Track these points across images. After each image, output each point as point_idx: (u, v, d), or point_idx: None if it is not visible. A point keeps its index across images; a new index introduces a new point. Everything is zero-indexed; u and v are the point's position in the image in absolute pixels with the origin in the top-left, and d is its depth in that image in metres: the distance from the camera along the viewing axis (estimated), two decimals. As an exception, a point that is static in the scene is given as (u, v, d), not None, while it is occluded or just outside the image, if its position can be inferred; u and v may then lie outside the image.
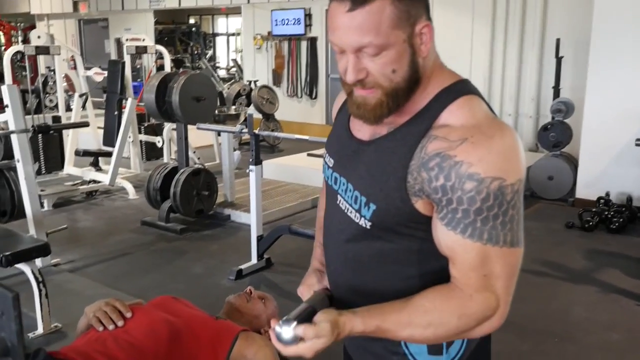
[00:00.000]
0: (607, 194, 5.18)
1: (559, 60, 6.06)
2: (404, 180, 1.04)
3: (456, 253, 1.02)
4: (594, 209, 4.98)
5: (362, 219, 1.11)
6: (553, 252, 4.35)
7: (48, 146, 6.04)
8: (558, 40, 6.09)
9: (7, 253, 2.99)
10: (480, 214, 0.98)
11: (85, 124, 5.35)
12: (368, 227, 1.11)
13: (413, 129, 1.05)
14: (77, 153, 6.04)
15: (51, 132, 5.43)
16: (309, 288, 1.32)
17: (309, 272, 1.37)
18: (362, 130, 1.14)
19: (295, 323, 1.02)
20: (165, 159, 6.50)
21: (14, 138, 3.96)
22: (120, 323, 1.70)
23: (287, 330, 1.02)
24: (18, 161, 3.98)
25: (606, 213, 4.87)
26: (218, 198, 5.23)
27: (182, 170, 4.91)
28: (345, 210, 1.16)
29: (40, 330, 3.13)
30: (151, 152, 6.82)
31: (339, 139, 1.21)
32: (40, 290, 3.13)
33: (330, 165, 1.22)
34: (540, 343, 3.05)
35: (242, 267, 3.91)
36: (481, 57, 7.23)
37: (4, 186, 4.22)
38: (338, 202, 1.18)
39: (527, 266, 4.29)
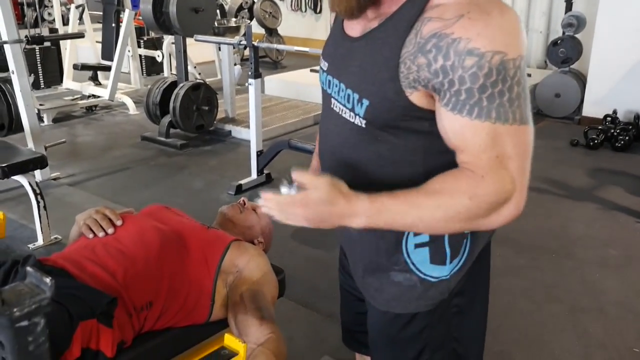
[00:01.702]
0: (615, 112, 5.08)
1: (573, -28, 5.80)
2: (396, 70, 0.98)
3: (465, 138, 0.96)
4: (600, 127, 4.90)
5: (357, 117, 1.07)
6: (555, 170, 4.31)
7: (46, 60, 5.95)
8: (573, -50, 5.80)
9: (4, 165, 2.98)
10: (484, 92, 0.92)
11: (79, 35, 5.21)
12: (363, 125, 1.06)
13: (404, 14, 0.99)
14: (76, 67, 5.93)
15: (46, 43, 5.30)
16: None
17: (310, 169, 1.36)
18: (355, 28, 1.09)
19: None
20: (166, 73, 6.38)
21: (7, 49, 3.87)
22: (110, 230, 1.68)
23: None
24: (13, 73, 3.90)
25: (612, 131, 4.79)
26: (219, 114, 5.17)
27: (181, 85, 4.82)
28: (340, 112, 1.12)
29: (40, 241, 3.16)
30: (151, 67, 6.71)
31: (334, 42, 1.17)
32: (38, 202, 3.13)
33: (325, 69, 1.18)
34: (537, 258, 3.06)
35: (242, 182, 3.90)
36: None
37: (1, 99, 4.17)
38: (332, 105, 1.15)
39: (529, 183, 4.28)
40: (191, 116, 4.84)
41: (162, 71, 6.52)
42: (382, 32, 1.02)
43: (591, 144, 4.76)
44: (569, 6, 5.80)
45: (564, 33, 5.50)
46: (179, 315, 1.63)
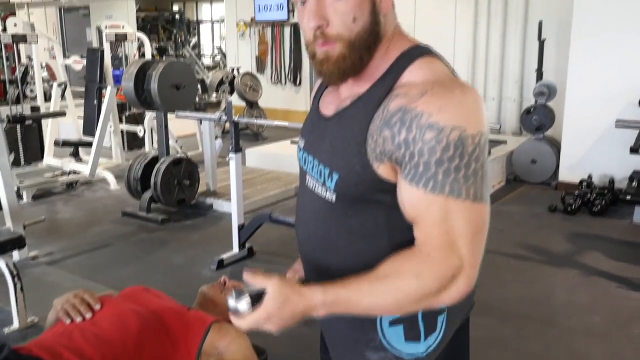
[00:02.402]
0: (590, 177, 5.18)
1: (541, 43, 6.04)
2: (363, 144, 1.03)
3: (419, 211, 0.99)
4: (576, 192, 4.99)
5: (328, 192, 1.10)
6: (536, 236, 4.35)
7: (27, 137, 5.97)
8: (541, 23, 6.07)
9: (-19, 247, 2.94)
10: (441, 166, 0.95)
11: (61, 114, 5.26)
12: (334, 200, 1.10)
13: (375, 93, 1.05)
14: (57, 144, 5.95)
15: (27, 122, 5.33)
16: (293, 272, 1.32)
17: (298, 261, 1.36)
18: (329, 107, 1.16)
19: (246, 293, 0.98)
20: (147, 148, 6.43)
21: (-12, 129, 3.89)
22: (88, 315, 1.67)
23: (232, 297, 0.99)
24: (-7, 152, 3.90)
25: (589, 196, 4.88)
26: (200, 187, 5.18)
27: (162, 160, 4.85)
28: (313, 189, 1.16)
29: (16, 325, 3.08)
30: (133, 142, 6.75)
31: (311, 121, 1.23)
32: (15, 285, 3.07)
33: (302, 147, 1.22)
34: (522, 328, 3.04)
35: (224, 256, 3.88)
36: (465, 40, 7.20)
37: (-20, 178, 4.14)
38: (307, 182, 1.19)
39: (510, 250, 4.34)
40: (173, 191, 4.85)
41: (144, 146, 6.57)
42: (353, 110, 1.07)
43: (569, 209, 4.83)
44: (539, 75, 6.01)
45: (536, 101, 5.68)
46: (158, 401, 1.60)
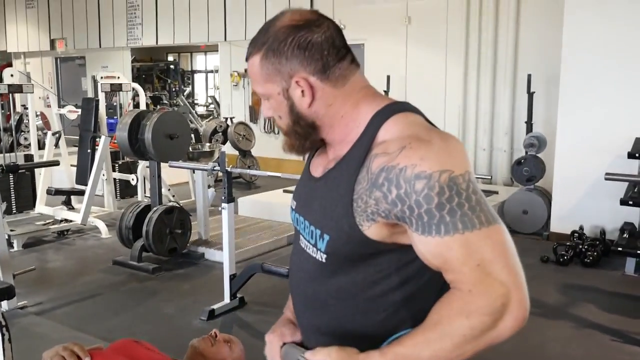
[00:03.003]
0: (581, 228, 5.21)
1: (530, 95, 6.16)
2: (350, 206, 1.05)
3: (443, 257, 0.99)
4: (568, 243, 5.00)
5: (319, 252, 1.13)
6: (528, 287, 4.31)
7: (19, 185, 5.96)
8: (529, 76, 6.21)
9: (-31, 297, 2.90)
10: (443, 208, 0.97)
11: (55, 163, 5.27)
12: (324, 260, 1.12)
13: (354, 154, 1.08)
14: (49, 192, 5.94)
15: (21, 171, 5.34)
16: (280, 337, 1.27)
17: (282, 320, 1.33)
18: (318, 169, 1.19)
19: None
20: (140, 196, 6.42)
21: (-20, 178, 3.89)
22: (77, 370, 1.64)
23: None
24: (-15, 201, 3.90)
25: (580, 247, 4.89)
26: (192, 236, 5.17)
27: (154, 209, 4.84)
28: (305, 249, 1.18)
29: (2, 377, 3.01)
30: (125, 190, 6.74)
31: (302, 182, 1.27)
32: (2, 335, 3.01)
33: (294, 207, 1.25)
34: (516, 381, 3.01)
35: (215, 306, 3.84)
36: (455, 92, 7.33)
37: (-29, 227, 4.12)
38: (300, 242, 1.22)
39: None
40: (164, 240, 4.82)
41: (136, 194, 6.56)
42: (337, 171, 1.11)
43: (561, 260, 4.83)
44: (529, 127, 6.10)
45: (526, 152, 5.76)
46: None
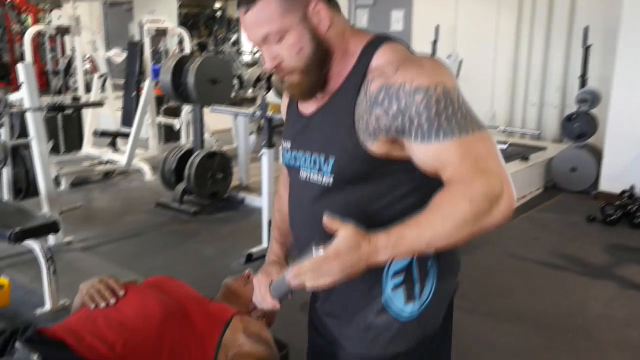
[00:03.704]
0: (632, 188, 5.02)
1: (586, 49, 5.88)
2: (352, 126, 1.15)
3: (442, 159, 1.08)
4: (617, 203, 4.84)
5: (324, 176, 1.21)
6: (572, 246, 4.23)
7: (67, 126, 6.09)
8: (586, 29, 5.91)
9: (17, 230, 2.99)
10: (440, 116, 1.07)
11: (99, 104, 5.34)
12: (330, 183, 1.21)
13: (350, 83, 1.17)
14: (95, 133, 6.06)
15: (67, 111, 5.44)
16: (267, 275, 1.37)
17: (267, 263, 1.45)
18: (308, 108, 1.27)
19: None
20: (183, 141, 6.49)
21: (28, 116, 3.97)
22: (112, 301, 1.67)
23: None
24: (32, 139, 3.99)
25: (630, 207, 4.73)
26: (233, 181, 5.21)
27: (196, 153, 4.88)
28: (307, 179, 1.26)
29: (47, 307, 3.13)
30: (169, 134, 6.83)
31: (292, 124, 1.33)
32: (48, 268, 3.13)
33: (289, 148, 1.32)
34: (552, 338, 2.96)
35: (253, 250, 3.88)
36: (506, 45, 7.05)
37: (19, 164, 4.24)
38: (300, 176, 1.28)
39: (543, 258, 4.24)
40: (205, 183, 4.88)
41: (180, 138, 6.63)
42: (334, 101, 1.20)
43: (608, 220, 4.68)
44: (583, 82, 5.85)
45: (578, 108, 5.54)
46: (177, 389, 1.59)
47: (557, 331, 3.02)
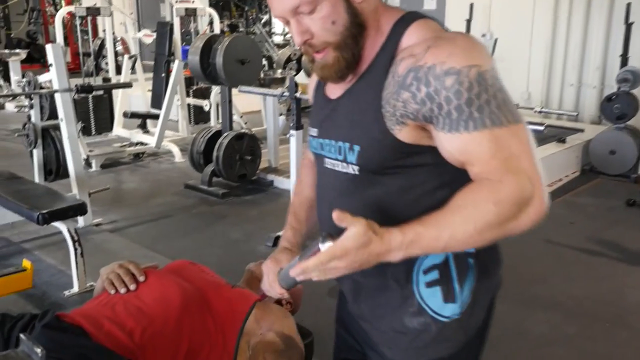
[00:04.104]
0: (674, 171, 4.83)
1: (628, 26, 5.65)
2: (379, 111, 1.05)
3: (471, 152, 0.99)
4: (658, 187, 4.66)
5: (350, 166, 1.12)
6: (610, 231, 4.08)
7: (98, 107, 6.11)
8: (629, 5, 5.67)
9: (44, 211, 3.00)
10: (472, 104, 0.97)
11: (127, 85, 5.33)
12: (357, 172, 1.11)
13: (379, 63, 1.08)
14: (125, 115, 6.07)
15: (98, 92, 5.45)
16: (276, 263, 1.32)
17: (278, 250, 1.38)
18: (335, 91, 1.17)
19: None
20: (213, 122, 6.46)
21: (57, 97, 3.98)
22: (132, 287, 1.63)
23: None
24: (61, 120, 4.00)
25: (672, 191, 4.55)
26: (262, 163, 5.17)
27: (225, 134, 4.85)
28: (333, 167, 1.17)
29: (75, 289, 3.14)
30: (199, 116, 6.81)
31: (319, 110, 1.24)
32: (75, 250, 3.13)
33: (315, 135, 1.23)
34: (588, 327, 2.85)
35: (280, 233, 3.82)
36: (543, 23, 6.82)
37: (50, 145, 4.27)
38: (325, 164, 1.20)
39: (580, 244, 4.11)
40: (234, 165, 4.85)
41: (210, 120, 6.61)
42: (361, 83, 1.10)
43: (649, 204, 4.52)
44: (624, 61, 5.63)
45: (619, 88, 5.33)
46: (197, 378, 1.55)
47: (593, 319, 2.91)
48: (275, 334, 1.64)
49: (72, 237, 3.12)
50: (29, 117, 4.23)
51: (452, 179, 1.07)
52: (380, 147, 1.07)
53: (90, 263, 3.23)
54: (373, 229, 0.96)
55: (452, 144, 1.00)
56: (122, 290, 1.63)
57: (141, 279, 1.67)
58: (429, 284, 1.13)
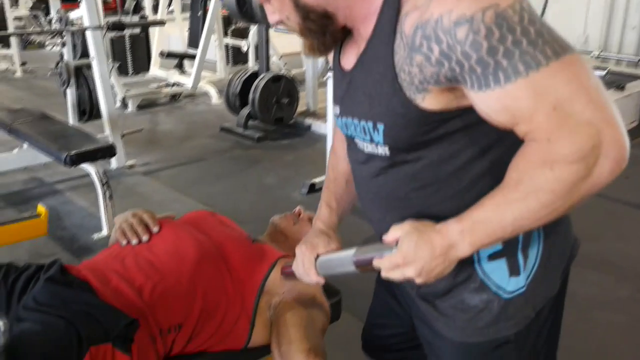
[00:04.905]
0: None
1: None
2: (395, 81, 0.89)
3: (509, 110, 0.80)
4: None
5: (378, 146, 0.98)
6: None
7: (135, 47, 6.00)
8: None
9: (73, 153, 2.92)
10: (496, 52, 0.78)
11: (159, 23, 5.18)
12: (388, 152, 0.97)
13: (383, 23, 0.90)
14: (162, 54, 5.94)
15: (134, 31, 5.32)
16: (313, 248, 1.19)
17: (313, 232, 1.24)
18: (349, 60, 1.02)
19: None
20: (251, 63, 6.28)
21: (88, 35, 3.86)
22: (144, 238, 1.51)
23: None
24: (93, 59, 3.89)
25: None
26: (300, 107, 4.99)
27: (261, 76, 4.67)
28: (365, 149, 1.03)
29: (104, 232, 3.09)
30: (237, 57, 6.64)
31: (338, 83, 1.08)
32: (104, 192, 3.06)
33: (338, 113, 1.08)
34: (642, 290, 2.66)
35: (316, 180, 3.69)
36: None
37: (83, 85, 4.18)
38: (357, 146, 1.06)
39: (635, 200, 3.83)
40: (270, 108, 4.69)
41: (248, 61, 6.43)
42: (370, 51, 0.94)
43: None
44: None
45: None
46: (213, 339, 1.44)
47: (647, 282, 2.71)
48: (299, 293, 1.51)
49: (101, 180, 3.05)
50: (62, 56, 4.13)
51: (496, 141, 0.93)
52: (406, 122, 0.91)
53: (122, 206, 3.16)
54: (422, 225, 0.90)
55: (487, 104, 0.83)
56: (134, 242, 1.51)
57: (155, 229, 1.54)
58: (492, 257, 1.00)
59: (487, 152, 0.94)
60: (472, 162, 0.94)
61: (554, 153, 0.78)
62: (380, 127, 0.94)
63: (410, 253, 0.89)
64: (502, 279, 1.00)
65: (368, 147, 1.01)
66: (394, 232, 0.92)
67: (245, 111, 4.75)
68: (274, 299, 1.50)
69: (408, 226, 0.91)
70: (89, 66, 4.07)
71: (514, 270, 0.99)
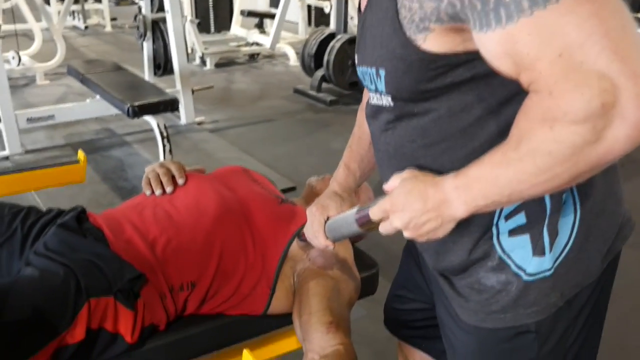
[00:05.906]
0: None
1: None
2: (396, 19, 0.78)
3: (511, 54, 0.68)
4: None
5: (383, 96, 0.89)
6: None
7: (218, 4, 5.99)
8: None
9: (135, 104, 2.91)
10: None
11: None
12: (391, 103, 0.88)
13: None
14: (242, 13, 5.89)
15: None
16: (323, 210, 1.12)
17: (327, 193, 1.19)
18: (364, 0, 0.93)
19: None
20: (333, 26, 6.13)
21: (163, -13, 3.83)
22: (168, 189, 1.43)
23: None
24: (167, 12, 3.87)
25: None
26: (377, 71, 4.81)
27: (338, 37, 4.52)
28: (375, 101, 0.94)
29: (165, 186, 3.08)
30: (320, 18, 6.51)
31: (358, 29, 0.98)
32: (164, 146, 3.05)
33: (357, 62, 0.97)
34: None
35: (383, 148, 3.53)
36: None
37: (159, 39, 4.19)
38: (371, 99, 0.96)
39: None
40: (345, 71, 4.53)
41: (331, 23, 6.28)
42: None
43: None
44: None
45: None
46: (230, 301, 1.34)
47: None
48: (328, 260, 1.38)
49: (161, 133, 3.03)
50: (140, 9, 4.15)
51: (511, 98, 0.78)
52: (406, 66, 0.80)
53: (185, 161, 3.07)
54: (419, 175, 0.82)
55: (488, 46, 0.70)
56: (158, 192, 1.43)
57: (180, 181, 1.46)
58: (514, 232, 0.86)
59: (501, 110, 0.80)
60: (484, 120, 0.82)
61: (555, 109, 0.65)
62: (382, 73, 0.85)
63: (400, 200, 0.81)
64: (524, 259, 0.86)
65: (374, 98, 0.92)
66: (394, 180, 0.84)
67: (319, 73, 4.63)
68: (299, 265, 1.38)
69: (407, 173, 0.83)
70: (165, 20, 4.06)
71: (538, 249, 0.85)
